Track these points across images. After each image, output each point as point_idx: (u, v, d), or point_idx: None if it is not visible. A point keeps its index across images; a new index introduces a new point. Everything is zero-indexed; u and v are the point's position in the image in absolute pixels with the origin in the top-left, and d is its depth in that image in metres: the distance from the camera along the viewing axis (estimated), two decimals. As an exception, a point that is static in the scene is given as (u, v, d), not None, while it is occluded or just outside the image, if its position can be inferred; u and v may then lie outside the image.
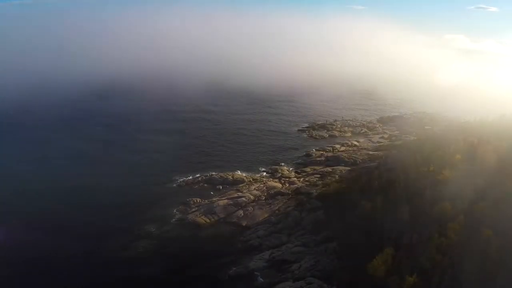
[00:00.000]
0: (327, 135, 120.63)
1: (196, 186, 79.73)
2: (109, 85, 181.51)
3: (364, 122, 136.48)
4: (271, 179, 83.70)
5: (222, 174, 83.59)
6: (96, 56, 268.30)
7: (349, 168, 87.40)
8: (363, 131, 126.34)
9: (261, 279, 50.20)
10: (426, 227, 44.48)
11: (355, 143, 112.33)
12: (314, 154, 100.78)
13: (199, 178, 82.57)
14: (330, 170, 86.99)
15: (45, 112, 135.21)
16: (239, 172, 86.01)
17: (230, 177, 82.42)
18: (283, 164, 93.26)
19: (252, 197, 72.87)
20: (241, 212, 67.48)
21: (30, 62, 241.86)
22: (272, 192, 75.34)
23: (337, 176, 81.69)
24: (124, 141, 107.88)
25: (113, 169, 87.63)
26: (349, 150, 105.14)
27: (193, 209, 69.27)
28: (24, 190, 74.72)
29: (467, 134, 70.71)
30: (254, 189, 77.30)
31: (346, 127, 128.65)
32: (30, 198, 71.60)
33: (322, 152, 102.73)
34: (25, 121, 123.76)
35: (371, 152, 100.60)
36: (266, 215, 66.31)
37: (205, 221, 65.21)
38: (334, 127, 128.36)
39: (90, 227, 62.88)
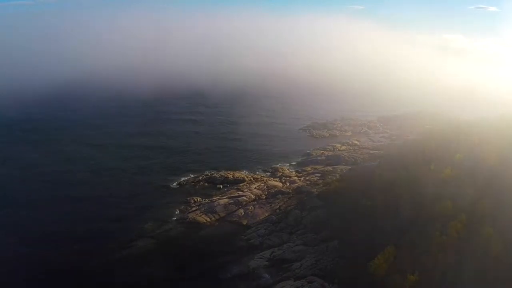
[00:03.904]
0: (328, 134, 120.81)
1: (197, 185, 79.73)
2: (96, 87, 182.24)
3: (365, 121, 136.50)
4: (272, 178, 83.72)
5: (222, 173, 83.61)
6: (89, 58, 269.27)
7: (349, 167, 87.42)
8: (364, 130, 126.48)
9: (262, 278, 50.10)
10: (427, 225, 44.39)
11: (356, 142, 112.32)
12: (314, 153, 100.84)
13: (200, 177, 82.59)
14: (331, 169, 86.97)
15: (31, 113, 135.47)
16: (239, 171, 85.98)
17: (230, 176, 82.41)
18: (283, 163, 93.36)
19: (252, 196, 72.80)
20: (241, 211, 67.40)
21: (25, 63, 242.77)
22: (273, 191, 75.27)
23: (337, 175, 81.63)
24: (119, 143, 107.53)
25: (111, 169, 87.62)
26: (350, 149, 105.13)
27: (194, 208, 69.23)
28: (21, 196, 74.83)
29: (468, 133, 70.63)
30: (255, 188, 77.25)
31: (347, 126, 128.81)
32: (30, 204, 71.58)
33: (323, 151, 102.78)
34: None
35: (371, 151, 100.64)
36: (266, 214, 66.20)
37: (205, 220, 65.18)
38: (334, 126, 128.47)
39: (90, 226, 62.86)
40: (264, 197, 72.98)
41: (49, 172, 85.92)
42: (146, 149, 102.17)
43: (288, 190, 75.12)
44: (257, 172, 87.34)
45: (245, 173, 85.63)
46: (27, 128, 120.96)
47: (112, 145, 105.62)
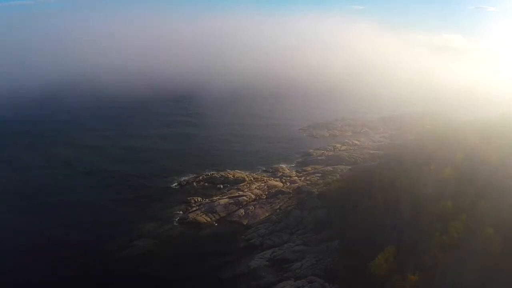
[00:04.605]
0: (328, 134, 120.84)
1: (197, 185, 79.75)
2: (95, 88, 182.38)
3: (365, 121, 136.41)
4: (272, 178, 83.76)
5: (222, 173, 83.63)
6: (89, 58, 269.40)
7: (349, 167, 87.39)
8: (364, 130, 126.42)
9: (262, 278, 50.07)
10: (428, 225, 44.36)
11: (356, 142, 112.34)
12: (314, 153, 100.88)
13: (200, 177, 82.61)
14: (331, 169, 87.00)
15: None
16: (239, 171, 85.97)
17: (231, 176, 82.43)
18: (284, 163, 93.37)
19: (253, 196, 72.88)
20: (242, 211, 67.44)
21: (25, 63, 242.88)
22: (273, 191, 75.34)
23: (338, 175, 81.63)
24: (118, 145, 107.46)
25: (110, 171, 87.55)
26: (350, 149, 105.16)
27: (194, 208, 69.28)
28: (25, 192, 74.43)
29: (468, 133, 70.57)
30: (255, 188, 77.29)
31: (347, 126, 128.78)
32: (29, 207, 71.71)
33: (323, 151, 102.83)
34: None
35: (371, 151, 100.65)
36: (267, 214, 66.26)
37: (206, 220, 65.22)
38: (334, 126, 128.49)
39: (91, 227, 62.98)
40: (264, 197, 73.04)
41: (48, 174, 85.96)
42: (145, 150, 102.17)
43: (288, 190, 75.16)
44: (258, 172, 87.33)
45: (245, 173, 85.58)
46: (24, 130, 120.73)
47: (111, 146, 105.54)
